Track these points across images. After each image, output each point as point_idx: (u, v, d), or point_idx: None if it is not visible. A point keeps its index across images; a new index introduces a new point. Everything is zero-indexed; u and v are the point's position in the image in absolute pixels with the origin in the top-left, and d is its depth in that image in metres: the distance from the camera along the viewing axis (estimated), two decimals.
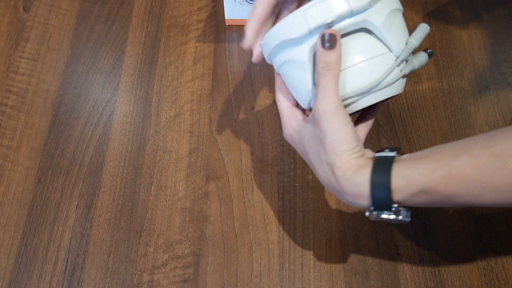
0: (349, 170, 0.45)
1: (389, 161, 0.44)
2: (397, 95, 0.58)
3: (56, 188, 0.64)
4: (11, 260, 0.60)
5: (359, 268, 0.59)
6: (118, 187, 0.64)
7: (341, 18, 0.46)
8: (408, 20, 0.76)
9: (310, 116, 0.48)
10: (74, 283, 0.59)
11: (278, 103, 0.53)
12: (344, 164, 0.45)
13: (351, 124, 0.46)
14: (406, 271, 0.59)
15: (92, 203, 0.63)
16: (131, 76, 0.73)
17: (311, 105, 0.49)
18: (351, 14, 0.46)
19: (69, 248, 0.61)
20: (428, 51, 0.51)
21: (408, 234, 0.61)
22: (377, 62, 0.47)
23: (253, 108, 0.70)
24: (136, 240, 0.61)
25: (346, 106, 0.49)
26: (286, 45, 0.48)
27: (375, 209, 0.45)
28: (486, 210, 0.62)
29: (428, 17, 0.76)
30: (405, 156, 0.46)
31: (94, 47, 0.75)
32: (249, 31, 0.52)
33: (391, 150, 0.46)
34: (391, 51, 0.48)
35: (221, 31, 0.76)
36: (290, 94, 0.52)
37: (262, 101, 0.70)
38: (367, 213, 0.46)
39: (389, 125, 0.67)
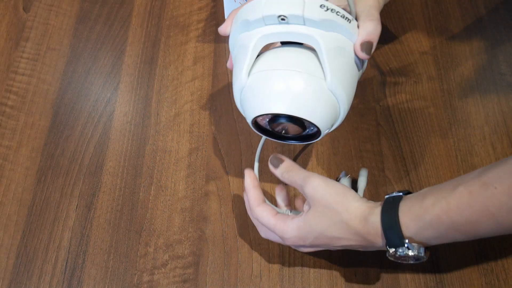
0: (364, 213, 0.49)
1: (397, 200, 0.49)
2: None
3: (56, 188, 0.64)
4: (11, 260, 0.60)
5: (359, 268, 0.59)
6: (118, 187, 0.64)
7: (292, 17, 0.48)
8: (408, 20, 0.76)
9: (305, 206, 0.53)
10: (74, 283, 0.59)
11: (262, 220, 0.54)
12: (357, 210, 0.50)
13: (348, 189, 0.52)
14: (406, 271, 0.59)
15: (92, 203, 0.63)
16: (131, 76, 0.73)
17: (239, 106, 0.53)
18: (302, 19, 0.47)
19: (69, 248, 0.61)
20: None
21: None
22: (307, 78, 0.48)
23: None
24: (136, 240, 0.61)
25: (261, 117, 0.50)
26: (244, 28, 0.51)
27: (390, 246, 0.48)
28: None
29: (428, 17, 0.76)
30: (412, 194, 0.50)
31: (94, 47, 0.75)
32: (229, 20, 0.54)
33: (400, 192, 0.51)
34: (325, 80, 0.48)
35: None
36: (261, 204, 0.55)
37: None
38: (387, 254, 0.50)
39: (389, 125, 0.67)
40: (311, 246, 0.53)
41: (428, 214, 0.46)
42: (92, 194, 0.64)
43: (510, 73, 0.71)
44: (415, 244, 0.48)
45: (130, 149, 0.67)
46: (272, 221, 0.53)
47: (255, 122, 0.52)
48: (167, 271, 0.59)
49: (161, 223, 0.62)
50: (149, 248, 0.61)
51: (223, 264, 0.60)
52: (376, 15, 0.51)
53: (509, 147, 0.66)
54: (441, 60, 0.72)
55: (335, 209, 0.50)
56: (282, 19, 0.48)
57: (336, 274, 0.59)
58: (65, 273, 0.59)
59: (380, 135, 0.67)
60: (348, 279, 0.58)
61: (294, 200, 0.62)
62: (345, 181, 0.60)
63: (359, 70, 0.52)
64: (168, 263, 0.60)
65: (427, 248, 0.49)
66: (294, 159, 0.66)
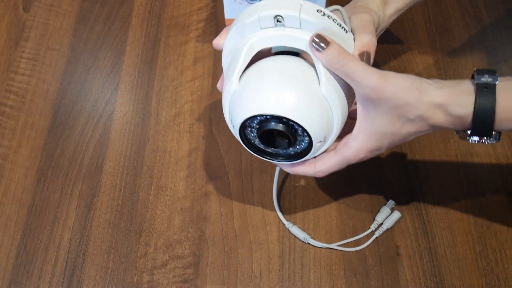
0: (445, 105, 0.45)
1: (492, 89, 0.45)
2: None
3: (56, 188, 0.64)
4: (11, 260, 0.60)
5: (359, 268, 0.59)
6: (118, 187, 0.64)
7: (289, 18, 0.47)
8: (408, 20, 0.76)
9: (362, 123, 0.48)
10: (73, 283, 0.59)
11: (327, 168, 0.52)
12: (435, 103, 0.46)
13: (413, 78, 0.47)
14: (406, 271, 0.59)
15: (92, 203, 0.63)
16: (131, 76, 0.72)
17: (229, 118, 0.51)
18: (298, 21, 0.47)
19: (69, 248, 0.61)
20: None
21: (408, 234, 0.61)
22: (301, 81, 0.47)
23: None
24: (136, 240, 0.61)
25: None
26: (239, 34, 0.50)
27: (472, 135, 0.46)
28: (487, 210, 0.62)
29: (428, 17, 0.76)
30: (504, 83, 0.46)
31: (94, 47, 0.75)
32: (223, 32, 0.53)
33: (489, 74, 0.46)
34: (319, 85, 0.47)
35: (221, 31, 0.76)
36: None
37: None
38: (457, 133, 0.49)
39: None
40: (386, 149, 0.50)
41: None
42: (92, 194, 0.64)
43: (510, 73, 0.71)
44: (497, 134, 0.47)
45: (130, 149, 0.67)
46: (337, 157, 0.51)
47: (243, 133, 0.51)
48: (167, 271, 0.59)
49: (161, 223, 0.62)
50: (149, 248, 0.61)
51: (223, 264, 0.60)
52: (371, 28, 0.51)
53: (509, 147, 0.66)
54: (441, 60, 0.72)
55: (409, 106, 0.46)
56: (278, 21, 0.47)
57: (336, 274, 0.59)
58: (65, 273, 0.59)
59: None
60: (348, 279, 0.58)
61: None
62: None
63: None
64: (168, 263, 0.60)
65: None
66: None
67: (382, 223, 0.61)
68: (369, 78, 0.46)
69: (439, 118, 0.46)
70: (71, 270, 0.59)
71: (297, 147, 0.51)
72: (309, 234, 0.61)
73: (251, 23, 0.48)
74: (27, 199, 0.64)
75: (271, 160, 0.53)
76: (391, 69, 0.71)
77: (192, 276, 0.59)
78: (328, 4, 0.71)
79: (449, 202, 0.62)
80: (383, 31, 0.58)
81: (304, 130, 0.47)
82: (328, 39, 0.47)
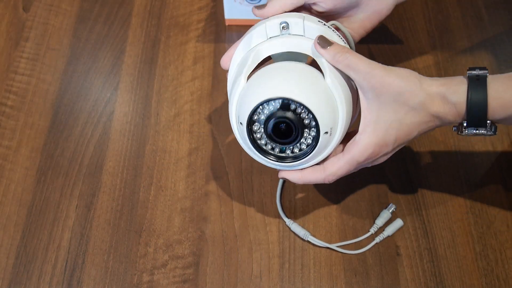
0: (442, 93, 0.48)
1: (483, 80, 0.47)
2: None
3: (55, 188, 0.64)
4: (11, 260, 0.60)
5: (359, 268, 0.59)
6: (117, 187, 0.64)
7: (293, 25, 0.52)
8: (408, 20, 0.76)
9: (366, 117, 0.50)
10: (73, 283, 0.59)
11: (337, 170, 0.52)
12: (433, 91, 0.48)
13: (412, 71, 0.49)
14: (406, 271, 0.59)
15: (92, 203, 0.63)
16: (131, 76, 0.72)
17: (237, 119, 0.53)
18: (302, 28, 0.51)
19: (69, 248, 0.61)
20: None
21: (408, 234, 0.61)
22: (307, 71, 0.50)
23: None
24: (136, 240, 0.61)
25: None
26: (247, 44, 0.53)
27: (469, 126, 0.48)
28: (487, 210, 0.62)
29: (428, 17, 0.76)
30: (499, 76, 0.48)
31: (94, 47, 0.75)
32: (271, 8, 0.54)
33: (480, 69, 0.48)
34: (324, 79, 0.50)
35: (221, 31, 0.76)
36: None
37: None
38: (454, 129, 0.50)
39: None
40: (394, 147, 0.51)
41: None
42: (92, 194, 0.64)
43: None
44: (492, 124, 0.48)
45: (130, 149, 0.67)
46: (345, 156, 0.51)
47: (251, 134, 0.51)
48: (167, 271, 0.59)
49: (161, 223, 0.62)
50: (149, 248, 0.61)
51: (223, 264, 0.59)
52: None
53: (509, 147, 0.66)
54: (441, 60, 0.72)
55: (410, 92, 0.48)
56: (284, 28, 0.51)
57: (336, 274, 0.59)
58: (65, 273, 0.59)
59: None
60: (348, 279, 0.58)
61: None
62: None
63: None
64: (168, 263, 0.60)
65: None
66: None
67: (383, 229, 0.60)
68: (372, 67, 0.48)
69: (438, 106, 0.48)
70: (71, 270, 0.59)
71: (304, 142, 0.51)
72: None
73: (258, 32, 0.52)
74: (27, 199, 0.64)
75: (278, 166, 0.53)
76: None
77: (192, 276, 0.59)
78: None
79: (449, 202, 0.62)
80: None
81: (310, 113, 0.48)
82: (331, 40, 0.50)
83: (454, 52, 0.73)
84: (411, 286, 0.58)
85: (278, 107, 0.49)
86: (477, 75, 0.48)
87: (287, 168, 0.53)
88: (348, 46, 0.52)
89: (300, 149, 0.51)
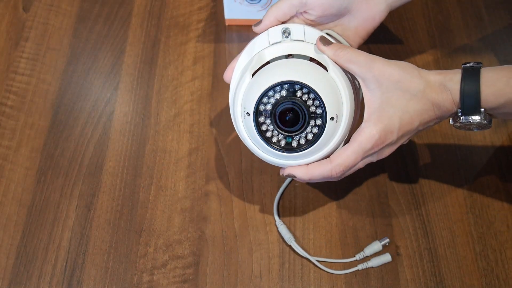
0: (441, 80, 0.50)
1: (476, 70, 0.49)
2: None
3: (55, 188, 0.64)
4: (11, 260, 0.60)
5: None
6: (118, 187, 0.64)
7: (295, 30, 0.54)
8: (408, 20, 0.76)
9: (370, 107, 0.51)
10: (73, 283, 0.59)
11: (345, 160, 0.52)
12: (433, 79, 0.50)
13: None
14: (406, 271, 0.59)
15: (92, 203, 0.63)
16: (131, 76, 0.72)
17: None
18: (303, 33, 0.54)
19: (69, 248, 0.61)
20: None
21: (408, 234, 0.61)
22: (310, 63, 0.52)
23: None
24: (136, 240, 0.61)
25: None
26: (250, 53, 0.55)
27: (463, 114, 0.49)
28: (487, 210, 0.62)
29: (428, 17, 0.76)
30: (492, 67, 0.50)
31: (94, 47, 0.75)
32: (267, 20, 0.56)
33: (475, 63, 0.50)
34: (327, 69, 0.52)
35: (221, 31, 0.76)
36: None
37: None
38: (451, 121, 0.51)
39: None
40: (398, 136, 0.51)
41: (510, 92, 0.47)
42: (92, 194, 0.64)
43: None
44: (486, 114, 0.49)
45: (130, 149, 0.67)
46: (352, 145, 0.51)
47: (258, 125, 0.51)
48: (167, 271, 0.59)
49: (161, 223, 0.62)
50: (149, 248, 0.61)
51: (223, 264, 0.59)
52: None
53: (509, 147, 0.66)
54: (441, 60, 0.72)
55: (410, 79, 0.50)
56: (285, 32, 0.54)
57: (336, 274, 0.59)
58: (65, 273, 0.59)
59: None
60: (348, 279, 0.58)
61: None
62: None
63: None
64: (168, 263, 0.60)
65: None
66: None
67: (369, 258, 0.59)
68: (372, 59, 0.50)
69: (436, 93, 0.50)
70: (71, 270, 0.59)
71: (310, 131, 0.51)
72: (308, 234, 0.61)
73: (261, 40, 0.54)
74: (27, 199, 0.64)
75: (284, 158, 0.52)
76: None
77: (192, 276, 0.59)
78: None
79: (449, 202, 0.62)
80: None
81: (317, 99, 0.50)
82: (332, 40, 0.53)
83: (454, 52, 0.73)
84: (411, 286, 0.58)
85: (285, 94, 0.50)
86: (472, 66, 0.50)
87: (293, 162, 0.53)
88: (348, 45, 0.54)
89: (306, 140, 0.51)
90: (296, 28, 0.54)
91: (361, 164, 0.52)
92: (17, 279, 0.59)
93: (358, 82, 0.52)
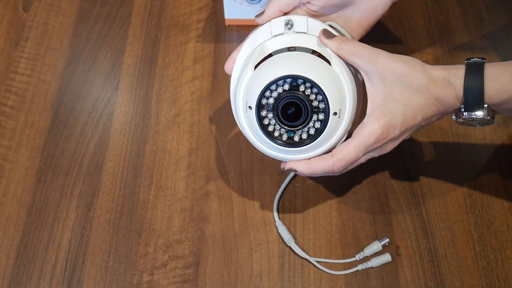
0: (444, 75, 0.49)
1: (480, 65, 0.49)
2: None
3: (55, 188, 0.64)
4: (11, 260, 0.60)
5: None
6: (118, 187, 0.64)
7: (298, 22, 0.53)
8: (408, 20, 0.76)
9: (373, 101, 0.50)
10: (73, 284, 0.59)
11: (346, 156, 0.51)
12: (436, 73, 0.50)
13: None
14: (406, 271, 0.59)
15: (92, 203, 0.63)
16: (131, 76, 0.72)
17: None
18: (306, 25, 0.53)
19: (69, 248, 0.61)
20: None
21: (408, 234, 0.61)
22: (313, 57, 0.52)
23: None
24: (136, 240, 0.61)
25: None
26: (252, 44, 0.54)
27: (466, 109, 0.49)
28: (487, 210, 0.62)
29: (428, 17, 0.76)
30: (496, 63, 0.50)
31: (94, 47, 0.75)
32: (269, 11, 0.55)
33: (479, 58, 0.50)
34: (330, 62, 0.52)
35: (221, 31, 0.76)
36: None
37: None
38: (454, 117, 0.51)
39: None
40: (401, 131, 0.51)
41: None
42: (92, 194, 0.64)
43: None
44: (489, 110, 0.49)
45: (130, 149, 0.67)
46: (354, 140, 0.51)
47: (260, 119, 0.51)
48: (167, 271, 0.59)
49: (161, 223, 0.62)
50: (149, 248, 0.61)
51: (223, 264, 0.59)
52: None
53: (509, 147, 0.66)
54: (441, 60, 0.72)
55: (414, 74, 0.49)
56: (288, 24, 0.53)
57: (336, 274, 0.59)
58: (65, 273, 0.59)
59: None
60: (348, 279, 0.58)
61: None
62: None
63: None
64: (168, 263, 0.60)
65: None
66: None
67: (369, 259, 0.59)
68: (376, 52, 0.50)
69: (440, 88, 0.49)
70: (71, 270, 0.59)
71: (313, 126, 0.51)
72: (308, 234, 0.61)
73: (263, 31, 0.54)
74: (27, 199, 0.64)
75: (286, 152, 0.52)
76: None
77: (192, 276, 0.59)
78: None
79: (449, 202, 0.62)
80: None
81: (320, 94, 0.49)
82: (335, 33, 0.53)
83: (454, 52, 0.73)
84: (411, 286, 0.58)
85: (288, 88, 0.50)
86: (475, 62, 0.50)
87: (295, 157, 0.53)
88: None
89: (309, 135, 0.51)
90: (299, 20, 0.53)
91: (363, 159, 0.52)
92: (17, 279, 0.59)
93: (361, 76, 0.52)
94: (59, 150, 0.67)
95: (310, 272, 0.59)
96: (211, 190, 0.64)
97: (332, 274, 0.58)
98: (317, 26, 0.53)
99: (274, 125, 0.52)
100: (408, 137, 0.53)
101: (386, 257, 0.58)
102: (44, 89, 0.72)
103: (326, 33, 0.52)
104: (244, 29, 0.76)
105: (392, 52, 0.72)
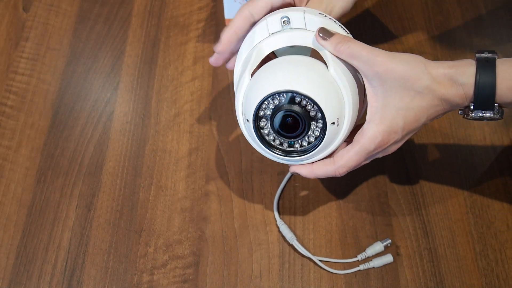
0: (449, 75, 0.47)
1: (492, 62, 0.47)
2: None
3: (55, 188, 0.64)
4: (11, 260, 0.60)
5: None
6: (118, 187, 0.64)
7: (294, 19, 0.51)
8: (408, 20, 0.76)
9: (373, 105, 0.49)
10: (73, 284, 0.59)
11: (347, 161, 0.51)
12: (440, 73, 0.47)
13: (417, 55, 0.49)
14: (406, 271, 0.59)
15: (92, 203, 0.63)
16: (131, 76, 0.72)
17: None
18: (303, 21, 0.51)
19: (69, 248, 0.61)
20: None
21: (408, 234, 0.61)
22: (310, 63, 0.50)
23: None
24: (136, 240, 0.61)
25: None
26: (250, 42, 0.53)
27: (476, 108, 0.47)
28: (487, 210, 0.62)
29: (428, 17, 0.76)
30: (503, 59, 0.48)
31: (94, 47, 0.75)
32: (224, 37, 0.54)
33: (489, 52, 0.48)
34: (328, 70, 0.50)
35: (221, 31, 0.75)
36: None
37: None
38: (460, 112, 0.50)
39: None
40: (403, 134, 0.50)
41: None
42: (92, 194, 0.64)
43: None
44: (499, 109, 0.48)
45: (130, 149, 0.67)
46: (354, 147, 0.50)
47: (258, 130, 0.51)
48: (167, 271, 0.59)
49: (161, 223, 0.62)
50: (149, 248, 0.61)
51: (223, 264, 0.60)
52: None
53: (509, 147, 0.66)
54: (441, 60, 0.72)
55: (415, 76, 0.47)
56: (285, 23, 0.51)
57: (336, 274, 0.59)
58: (64, 273, 0.59)
59: None
60: (348, 279, 0.58)
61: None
62: None
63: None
64: (168, 263, 0.60)
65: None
66: None
67: (371, 259, 0.59)
68: (375, 54, 0.48)
69: (445, 88, 0.47)
70: (71, 270, 0.59)
71: (312, 134, 0.50)
72: (308, 234, 0.61)
73: (260, 29, 0.52)
74: (27, 199, 0.64)
75: (288, 161, 0.53)
76: None
77: (192, 276, 0.59)
78: None
79: (449, 202, 0.62)
80: None
81: (316, 105, 0.48)
82: (332, 31, 0.50)
83: (454, 52, 0.73)
84: (411, 286, 0.58)
85: (283, 101, 0.49)
86: (486, 58, 0.47)
87: (297, 163, 0.53)
88: (350, 36, 0.52)
89: (309, 142, 0.51)
90: (296, 16, 0.51)
91: (365, 162, 0.52)
92: (17, 279, 0.59)
93: (361, 76, 0.51)
94: (59, 150, 0.67)
95: (310, 272, 0.59)
96: (211, 190, 0.64)
97: (334, 273, 0.58)
98: (316, 21, 0.51)
99: (274, 134, 0.51)
100: (413, 133, 0.52)
101: (388, 258, 0.58)
102: (44, 89, 0.72)
103: (323, 33, 0.49)
104: None
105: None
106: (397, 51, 0.72)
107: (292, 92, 0.48)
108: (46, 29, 0.77)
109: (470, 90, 0.47)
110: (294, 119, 0.50)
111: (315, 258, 0.59)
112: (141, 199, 0.64)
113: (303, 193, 0.63)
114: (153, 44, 0.75)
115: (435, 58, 0.72)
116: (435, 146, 0.66)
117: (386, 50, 0.73)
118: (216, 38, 0.75)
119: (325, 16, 0.52)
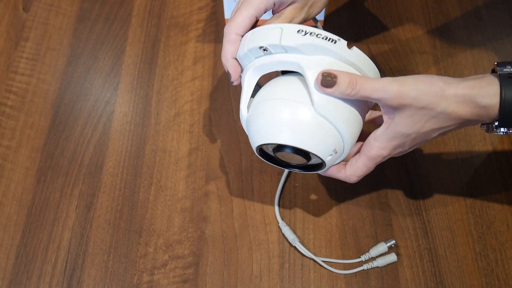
0: (468, 96, 0.45)
1: None
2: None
3: (55, 188, 0.64)
4: (11, 260, 0.60)
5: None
6: (118, 187, 0.64)
7: (273, 47, 0.48)
8: (408, 20, 0.76)
9: (385, 125, 0.49)
10: (73, 284, 0.59)
11: (354, 171, 0.52)
12: (456, 95, 0.45)
13: (429, 75, 0.47)
14: (406, 271, 0.59)
15: (92, 203, 0.63)
16: (131, 76, 0.72)
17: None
18: (281, 47, 0.48)
19: (69, 248, 0.61)
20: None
21: (408, 234, 0.61)
22: (293, 106, 0.48)
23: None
24: (136, 240, 0.61)
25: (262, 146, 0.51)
26: (241, 61, 0.53)
27: (501, 125, 0.46)
28: (487, 210, 0.62)
29: (428, 17, 0.76)
30: None
31: (94, 47, 0.75)
32: (230, 68, 0.53)
33: (511, 65, 0.46)
34: (312, 105, 0.47)
35: (221, 31, 0.76)
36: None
37: None
38: (483, 127, 0.50)
39: None
40: (411, 146, 0.50)
41: None
42: (92, 194, 0.64)
43: None
44: None
45: (130, 149, 0.67)
46: (362, 158, 0.51)
47: (262, 151, 0.53)
48: (167, 271, 0.59)
49: (161, 223, 0.62)
50: (149, 248, 0.61)
51: (223, 264, 0.60)
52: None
53: (509, 147, 0.66)
54: (441, 60, 0.72)
55: (431, 105, 0.46)
56: (265, 50, 0.49)
57: (336, 274, 0.59)
58: (64, 273, 0.59)
59: None
60: (348, 279, 0.58)
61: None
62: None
63: None
64: (168, 263, 0.60)
65: None
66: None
67: (375, 258, 0.59)
68: (387, 91, 0.46)
69: (464, 110, 0.46)
70: (71, 270, 0.59)
71: (313, 160, 0.51)
72: (308, 234, 0.61)
73: (244, 56, 0.51)
74: (27, 199, 0.64)
75: (288, 169, 0.55)
76: (391, 69, 0.72)
77: (192, 276, 0.59)
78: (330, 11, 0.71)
79: (449, 202, 0.62)
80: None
81: (307, 151, 0.49)
82: (334, 72, 0.46)
83: (454, 52, 0.73)
84: (411, 286, 0.58)
85: (280, 141, 0.49)
86: (509, 73, 0.46)
87: (308, 172, 0.55)
88: (343, 42, 0.48)
89: (314, 165, 0.53)
90: (273, 45, 0.49)
91: (375, 166, 0.53)
92: (17, 279, 0.59)
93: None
94: (59, 150, 0.67)
95: (310, 272, 0.59)
96: (211, 190, 0.64)
97: (336, 273, 0.58)
98: (294, 46, 0.47)
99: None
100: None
101: (392, 257, 0.59)
102: (44, 89, 0.72)
103: (325, 81, 0.46)
104: None
105: (392, 53, 0.73)
106: (397, 51, 0.73)
107: (279, 144, 0.49)
108: (46, 29, 0.77)
109: (493, 110, 0.46)
110: (295, 154, 0.50)
111: (319, 260, 0.59)
112: (141, 199, 0.64)
113: (303, 193, 0.63)
114: (153, 44, 0.75)
115: (435, 58, 0.72)
116: (435, 147, 0.66)
117: (386, 50, 0.73)
118: (216, 38, 0.75)
119: (305, 33, 0.48)
